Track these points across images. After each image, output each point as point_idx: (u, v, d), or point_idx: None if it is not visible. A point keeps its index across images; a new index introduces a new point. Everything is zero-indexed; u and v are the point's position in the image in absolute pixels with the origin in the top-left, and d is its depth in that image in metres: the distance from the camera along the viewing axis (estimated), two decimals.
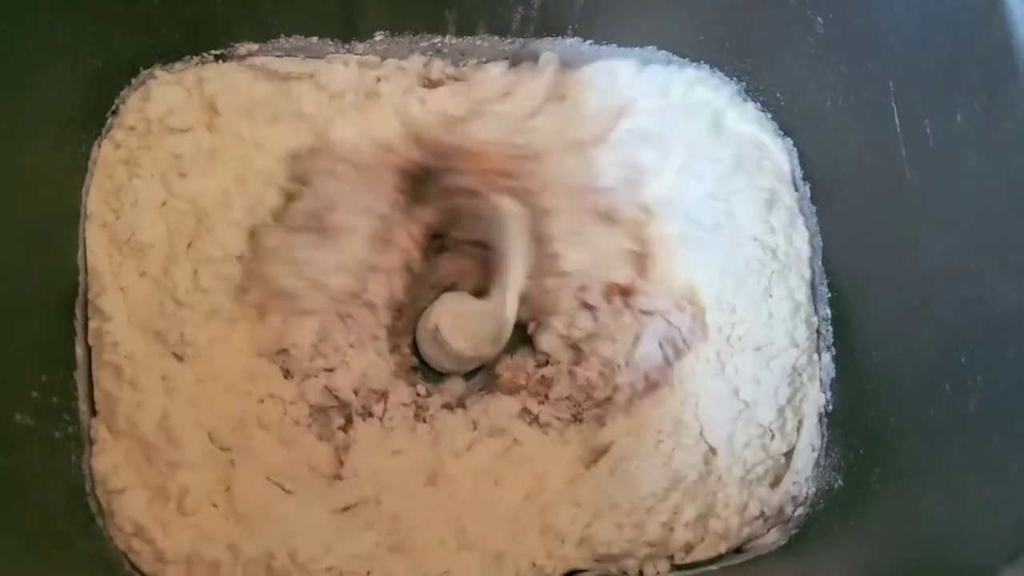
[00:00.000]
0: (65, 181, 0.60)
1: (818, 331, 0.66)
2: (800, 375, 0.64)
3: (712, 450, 0.62)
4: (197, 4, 0.63)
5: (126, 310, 0.60)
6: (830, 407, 0.64)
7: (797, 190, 0.68)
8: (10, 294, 0.53)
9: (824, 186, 0.66)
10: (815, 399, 0.64)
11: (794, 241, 0.67)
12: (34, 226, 0.57)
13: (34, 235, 0.56)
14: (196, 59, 0.65)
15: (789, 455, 0.64)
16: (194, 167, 0.63)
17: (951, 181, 0.53)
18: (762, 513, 0.62)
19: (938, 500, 0.52)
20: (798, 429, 0.64)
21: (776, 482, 0.63)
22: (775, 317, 0.64)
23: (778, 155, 0.68)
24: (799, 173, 0.68)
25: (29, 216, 0.56)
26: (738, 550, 0.62)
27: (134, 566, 0.56)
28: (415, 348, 0.67)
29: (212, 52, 0.65)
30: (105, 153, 0.62)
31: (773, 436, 0.63)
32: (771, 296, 0.65)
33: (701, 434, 0.63)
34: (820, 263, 0.66)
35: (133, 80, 0.64)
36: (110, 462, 0.57)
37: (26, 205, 0.56)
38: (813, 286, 0.66)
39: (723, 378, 0.64)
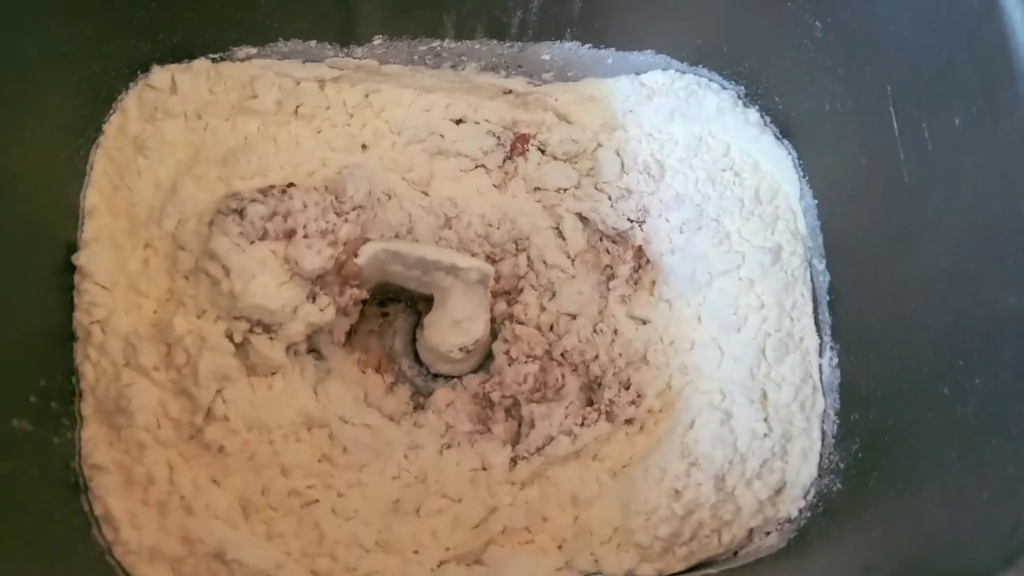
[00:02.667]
0: (63, 186, 0.60)
1: (819, 335, 0.66)
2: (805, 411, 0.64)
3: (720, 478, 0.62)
4: (195, 8, 0.63)
5: (111, 288, 0.59)
6: (829, 412, 0.64)
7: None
8: (8, 298, 0.53)
9: (822, 189, 0.66)
10: (819, 406, 0.64)
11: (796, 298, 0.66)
12: (32, 231, 0.56)
13: (32, 240, 0.56)
14: (194, 64, 0.65)
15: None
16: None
17: (949, 184, 0.54)
18: (763, 524, 0.62)
19: (936, 503, 0.52)
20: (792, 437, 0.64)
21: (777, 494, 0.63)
22: (786, 383, 0.64)
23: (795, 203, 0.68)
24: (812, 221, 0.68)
25: (27, 221, 0.56)
26: (735, 552, 0.62)
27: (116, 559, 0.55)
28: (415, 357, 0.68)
29: (210, 56, 0.66)
30: (108, 137, 0.62)
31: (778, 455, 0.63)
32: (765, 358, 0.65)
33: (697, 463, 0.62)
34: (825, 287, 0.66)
35: (131, 84, 0.64)
36: (89, 435, 0.57)
37: (24, 210, 0.56)
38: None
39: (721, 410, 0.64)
